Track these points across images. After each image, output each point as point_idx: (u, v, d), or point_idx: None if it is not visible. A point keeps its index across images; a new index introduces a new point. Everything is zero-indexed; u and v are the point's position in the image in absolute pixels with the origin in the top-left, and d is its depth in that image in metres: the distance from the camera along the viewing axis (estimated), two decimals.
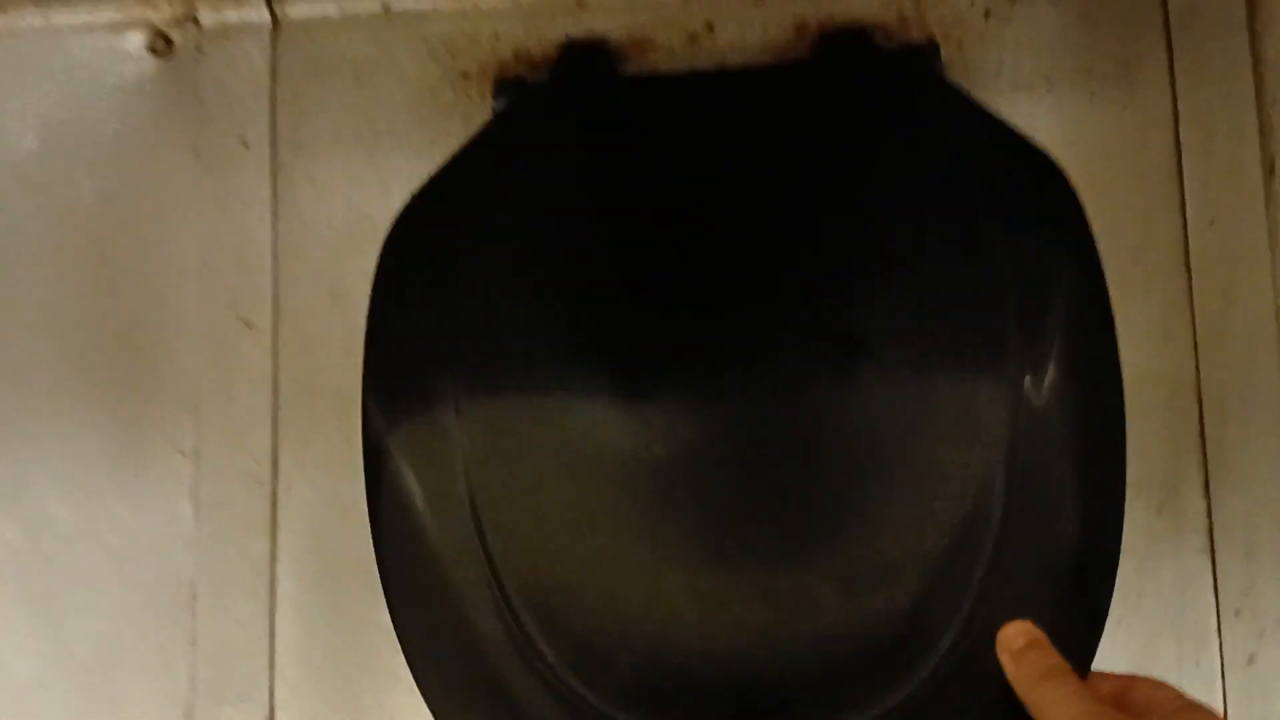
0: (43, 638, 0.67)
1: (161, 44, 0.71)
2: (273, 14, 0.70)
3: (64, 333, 0.69)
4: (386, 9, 0.70)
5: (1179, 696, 0.49)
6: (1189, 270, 0.65)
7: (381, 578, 0.56)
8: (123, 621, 0.67)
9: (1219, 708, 0.62)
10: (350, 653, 0.65)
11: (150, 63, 0.71)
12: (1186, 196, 0.65)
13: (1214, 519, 0.63)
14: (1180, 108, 0.66)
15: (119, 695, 0.66)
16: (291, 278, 0.68)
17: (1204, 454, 0.64)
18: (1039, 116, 0.66)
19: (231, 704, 0.64)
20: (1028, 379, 0.56)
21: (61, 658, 0.67)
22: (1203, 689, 0.62)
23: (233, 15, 0.70)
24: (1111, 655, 0.61)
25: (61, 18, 0.72)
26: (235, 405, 0.67)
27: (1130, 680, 0.51)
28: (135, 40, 0.71)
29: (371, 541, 0.57)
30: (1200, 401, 0.64)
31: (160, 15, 0.71)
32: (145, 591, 0.67)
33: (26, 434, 0.68)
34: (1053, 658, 0.51)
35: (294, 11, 0.70)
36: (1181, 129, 0.66)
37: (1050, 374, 0.57)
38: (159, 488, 0.67)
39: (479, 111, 0.68)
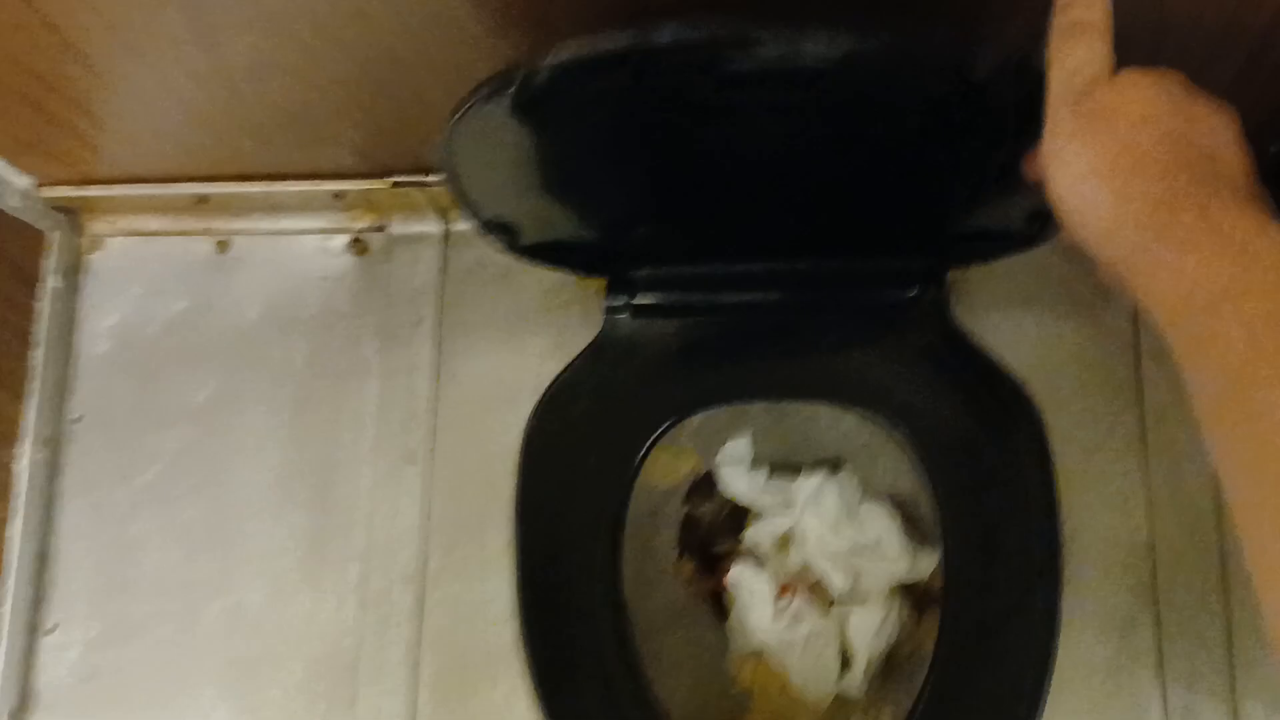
0: (234, 699, 0.86)
1: (359, 246, 0.95)
2: (445, 228, 0.93)
3: (273, 462, 0.90)
4: None
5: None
6: (1146, 454, 0.83)
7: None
8: (297, 689, 0.86)
9: None
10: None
11: (350, 260, 0.95)
12: (1144, 390, 0.84)
13: (1164, 653, 0.79)
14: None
15: None
16: (447, 427, 0.89)
17: (1155, 602, 0.80)
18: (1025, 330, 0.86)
19: None
20: None
21: (248, 717, 0.86)
22: None
23: (415, 227, 0.93)
24: None
25: (285, 223, 0.95)
26: (397, 523, 0.87)
27: None
28: (339, 243, 0.95)
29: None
30: (1154, 556, 0.81)
31: (359, 225, 0.95)
32: (317, 666, 0.86)
33: (238, 538, 0.89)
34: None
35: (460, 226, 0.93)
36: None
37: None
38: (333, 584, 0.87)
39: (594, 306, 0.90)
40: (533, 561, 0.84)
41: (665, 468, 0.96)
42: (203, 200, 0.92)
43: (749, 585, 0.91)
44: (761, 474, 0.95)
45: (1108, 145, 0.51)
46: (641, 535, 0.94)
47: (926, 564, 0.91)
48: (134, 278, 0.96)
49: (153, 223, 0.96)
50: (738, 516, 0.98)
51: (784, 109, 0.68)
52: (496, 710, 0.83)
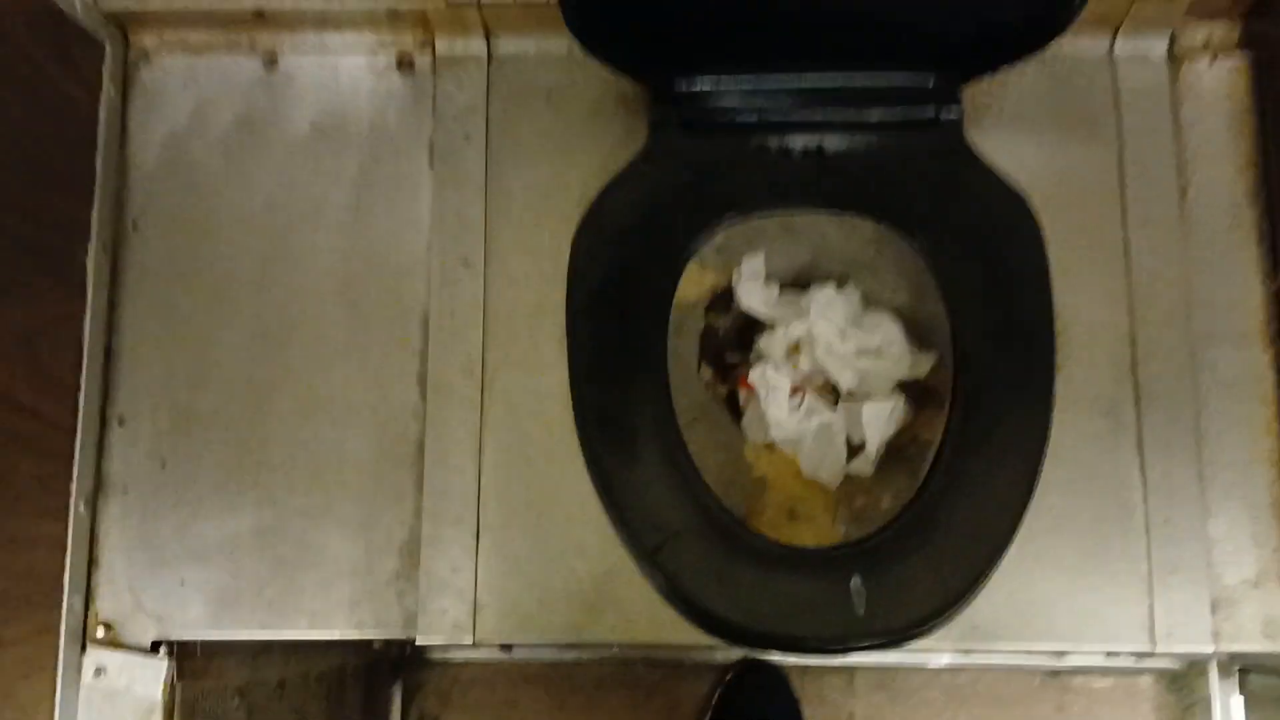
0: (306, 480, 0.93)
1: (406, 65, 1.00)
2: (489, 48, 0.98)
3: (330, 266, 0.96)
4: (570, 51, 0.98)
5: None
6: (1129, 253, 0.94)
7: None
8: (366, 469, 0.93)
9: (1144, 553, 0.90)
10: (535, 495, 0.91)
11: (397, 79, 0.99)
12: (1127, 206, 0.95)
13: (1143, 425, 0.92)
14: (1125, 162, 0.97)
15: (368, 521, 0.92)
16: (499, 234, 0.96)
17: (1136, 381, 0.92)
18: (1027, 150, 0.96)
19: (448, 525, 0.90)
20: None
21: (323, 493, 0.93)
22: (1134, 541, 0.90)
23: (461, 48, 0.98)
24: (1064, 519, 0.89)
25: (333, 40, 0.99)
26: (456, 320, 0.94)
27: None
28: (386, 61, 1.00)
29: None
30: (1134, 344, 0.93)
31: (406, 42, 0.99)
32: (384, 448, 0.93)
33: (303, 336, 0.95)
34: None
35: (504, 48, 0.99)
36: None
37: None
38: (399, 374, 0.94)
39: (635, 126, 0.97)
40: (586, 353, 0.93)
41: (690, 281, 1.04)
42: (259, 14, 0.96)
43: (770, 383, 1.01)
44: (775, 286, 1.04)
45: None
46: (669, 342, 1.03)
47: (925, 364, 1.02)
48: (183, 92, 0.99)
49: (201, 37, 0.99)
50: (751, 330, 1.08)
51: None
52: (555, 485, 0.91)
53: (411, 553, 0.91)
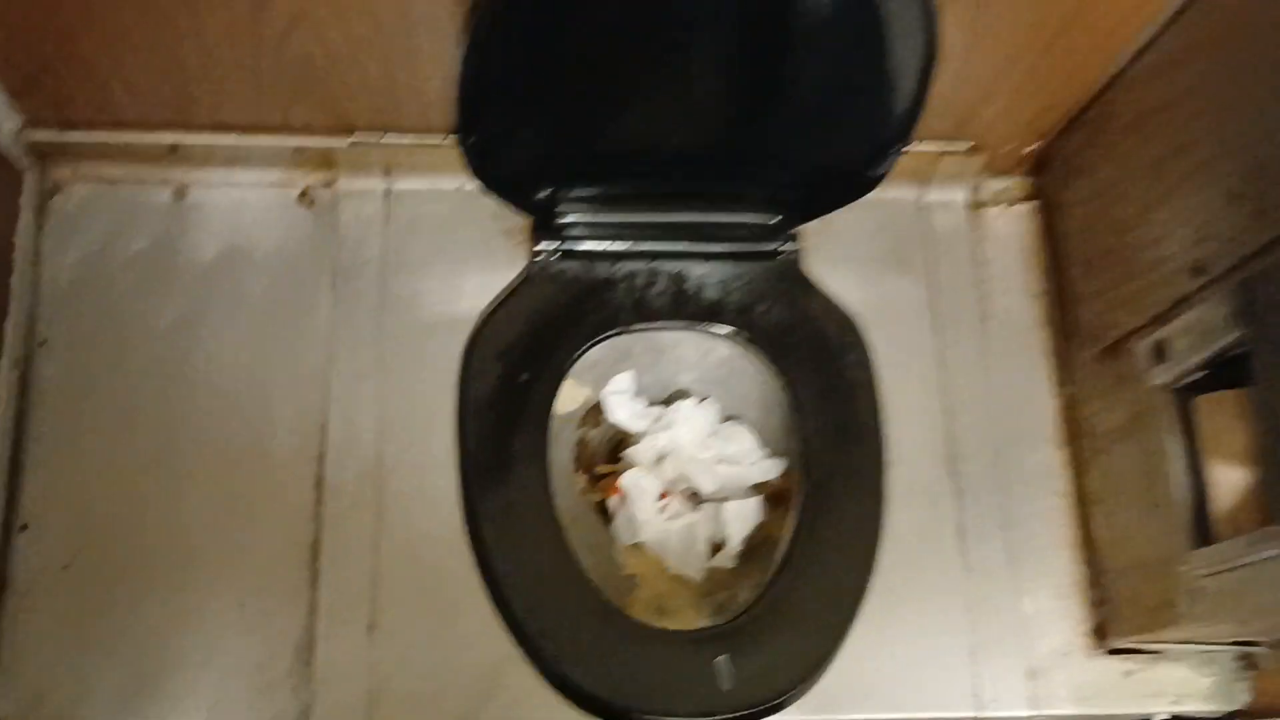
0: (206, 577, 0.98)
1: (307, 199, 1.10)
2: (388, 184, 1.10)
3: (235, 382, 1.03)
4: (461, 186, 1.10)
5: None
6: (942, 370, 1.10)
7: None
8: (262, 571, 0.99)
9: (967, 626, 1.02)
10: (430, 591, 0.99)
11: (299, 211, 1.10)
12: (939, 328, 1.11)
13: (962, 516, 1.06)
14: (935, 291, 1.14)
15: (266, 611, 0.97)
16: (393, 350, 1.05)
17: (952, 480, 1.07)
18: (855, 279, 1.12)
19: (343, 621, 0.97)
20: None
21: (230, 587, 0.98)
22: (955, 613, 1.03)
23: (360, 184, 1.10)
24: (893, 599, 1.02)
25: (240, 176, 1.09)
26: (353, 428, 1.02)
27: None
28: (290, 195, 1.10)
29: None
30: (950, 445, 1.08)
31: (310, 177, 1.10)
32: (280, 552, 0.99)
33: (206, 442, 1.01)
34: None
35: (402, 184, 1.10)
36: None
37: None
38: (293, 480, 1.01)
39: (518, 254, 1.09)
40: (475, 458, 1.02)
41: (566, 396, 1.15)
42: (174, 149, 1.05)
43: (639, 487, 1.12)
44: (642, 402, 1.16)
45: None
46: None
47: (776, 468, 1.14)
48: (96, 219, 1.07)
49: (116, 170, 1.07)
50: (620, 441, 1.19)
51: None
52: (446, 579, 0.99)
53: (307, 649, 0.96)
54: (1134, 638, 1.04)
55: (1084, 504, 1.09)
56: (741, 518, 1.11)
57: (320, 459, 1.02)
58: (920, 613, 1.04)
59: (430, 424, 1.04)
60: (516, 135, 1.02)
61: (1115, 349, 1.02)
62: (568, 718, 0.96)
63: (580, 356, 1.08)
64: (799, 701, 0.97)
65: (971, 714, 1.02)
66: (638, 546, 1.13)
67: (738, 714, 0.97)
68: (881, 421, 1.07)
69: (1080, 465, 1.09)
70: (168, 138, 1.04)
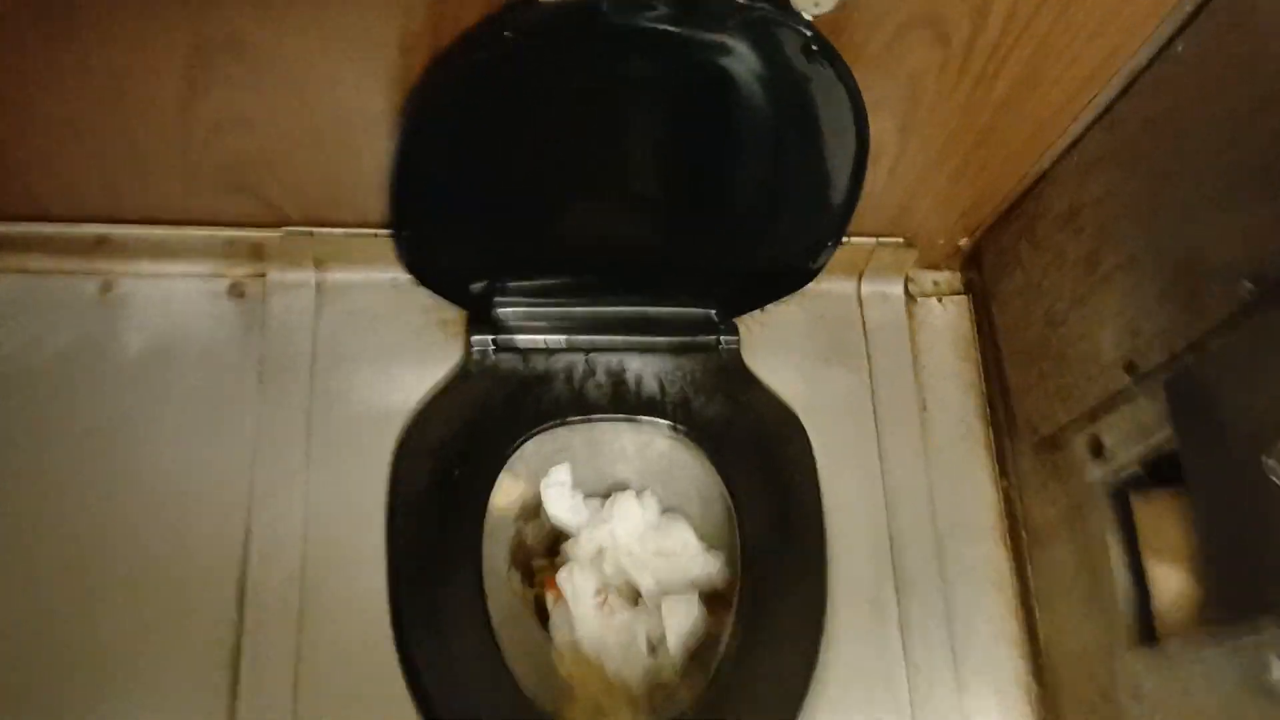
0: (134, 682, 0.94)
1: (237, 291, 1.08)
2: (318, 277, 1.08)
3: (157, 483, 1.00)
4: (394, 279, 1.09)
5: None
6: (882, 462, 1.10)
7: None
8: (187, 674, 0.95)
9: None
10: (355, 699, 0.95)
11: (229, 304, 1.07)
12: (878, 419, 1.11)
13: (902, 612, 1.04)
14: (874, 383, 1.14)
15: None
16: (322, 446, 1.03)
17: (896, 573, 1.06)
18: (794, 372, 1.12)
19: None
20: None
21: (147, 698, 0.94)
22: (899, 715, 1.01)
23: (291, 276, 1.08)
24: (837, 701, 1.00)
25: (168, 268, 1.07)
26: (278, 530, 0.99)
27: None
28: (219, 287, 1.08)
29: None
30: (890, 540, 1.07)
31: (240, 272, 1.08)
32: (197, 662, 0.95)
33: (125, 545, 0.97)
34: None
35: (333, 276, 1.09)
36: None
37: None
38: (214, 583, 0.98)
39: (454, 348, 1.08)
40: (405, 558, 0.99)
41: (502, 491, 1.13)
42: (101, 241, 1.03)
43: (575, 584, 1.09)
44: (579, 497, 1.14)
45: None
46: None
47: (715, 562, 1.12)
48: (18, 313, 1.04)
49: (40, 262, 1.05)
50: (558, 537, 1.17)
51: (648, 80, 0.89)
52: (372, 686, 0.95)
53: None
54: None
55: (1026, 599, 1.08)
56: (680, 614, 1.09)
57: (243, 563, 0.98)
58: (862, 713, 1.02)
59: (359, 524, 1.01)
60: (450, 229, 1.01)
61: (1052, 442, 1.02)
62: None
63: (517, 450, 1.07)
64: None
65: None
66: (575, 648, 1.10)
67: None
68: (821, 516, 1.06)
69: (1020, 560, 1.09)
70: (95, 230, 1.02)
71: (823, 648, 1.01)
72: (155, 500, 1.00)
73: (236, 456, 1.02)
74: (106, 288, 1.06)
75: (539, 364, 1.08)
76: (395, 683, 0.95)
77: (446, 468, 1.03)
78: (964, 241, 1.17)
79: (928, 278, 1.21)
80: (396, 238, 1.00)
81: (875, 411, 1.12)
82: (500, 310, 1.06)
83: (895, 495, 1.09)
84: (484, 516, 1.02)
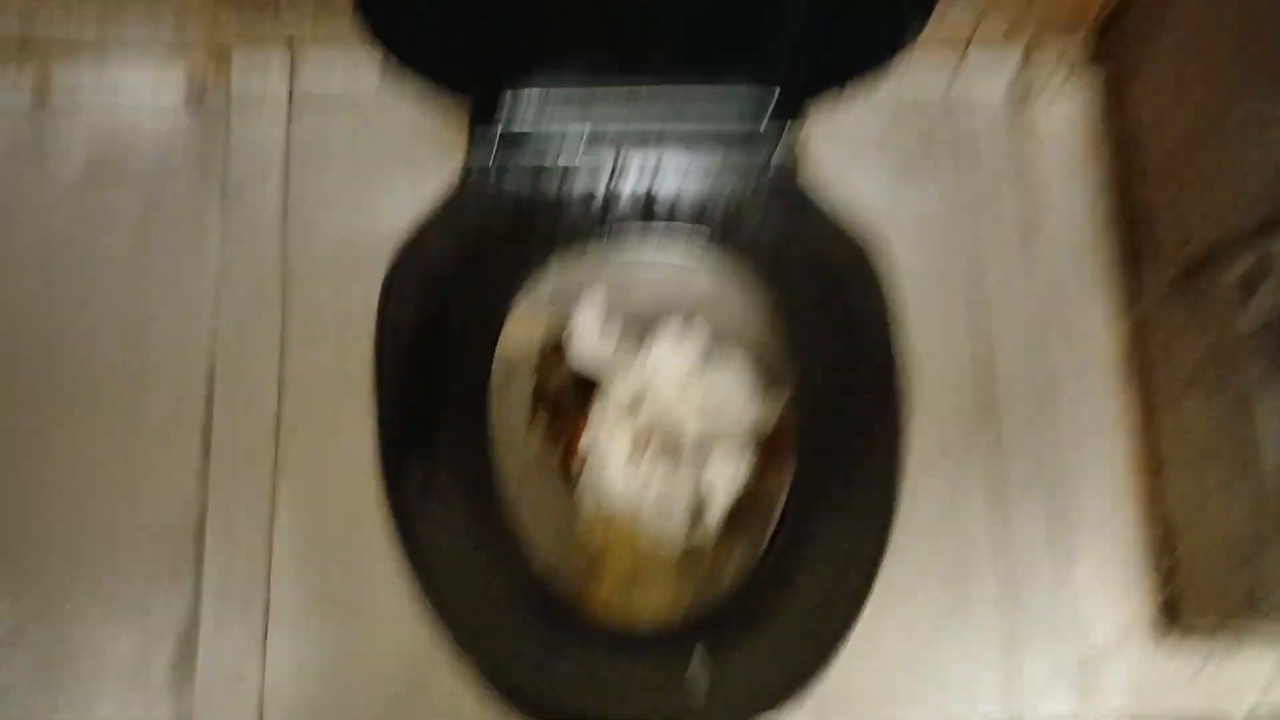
0: (74, 567, 0.81)
1: (197, 99, 0.90)
2: (291, 85, 0.90)
3: (108, 317, 0.85)
4: (378, 91, 0.90)
5: None
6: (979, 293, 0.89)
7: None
8: (146, 543, 0.81)
9: (1010, 612, 0.83)
10: (339, 575, 0.81)
11: (185, 115, 0.90)
12: (977, 243, 0.90)
13: (999, 472, 0.86)
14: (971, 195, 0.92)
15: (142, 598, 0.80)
16: (297, 281, 0.86)
17: (990, 428, 0.87)
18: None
19: (233, 610, 0.79)
20: None
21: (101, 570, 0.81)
22: (993, 600, 0.83)
23: (257, 82, 0.90)
24: (920, 575, 0.83)
25: (114, 72, 0.90)
26: (247, 376, 0.84)
27: None
28: (175, 96, 0.90)
29: None
30: (988, 386, 0.87)
31: (197, 75, 0.90)
32: (160, 528, 0.82)
33: (74, 390, 0.83)
34: None
35: (307, 85, 0.90)
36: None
37: None
38: (177, 437, 0.83)
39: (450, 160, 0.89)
40: (396, 417, 0.83)
41: (520, 331, 0.96)
42: (25, 41, 0.86)
43: (604, 445, 0.93)
44: (613, 333, 0.97)
45: None
46: (497, 399, 0.94)
47: (774, 410, 0.95)
48: None
49: None
50: (588, 383, 1.00)
51: None
52: (359, 561, 0.81)
53: (190, 643, 0.79)
54: (1208, 626, 0.84)
55: (1150, 463, 0.88)
56: (724, 481, 0.92)
57: (207, 414, 0.84)
58: (945, 593, 0.85)
59: (344, 373, 0.85)
60: None
61: (1195, 276, 0.80)
62: None
63: (532, 283, 0.89)
64: (793, 710, 0.79)
65: (1007, 714, 0.83)
66: (606, 515, 0.95)
67: None
68: (900, 359, 0.87)
69: (1146, 416, 0.88)
70: (13, 25, 0.85)
71: (899, 513, 0.83)
72: (105, 342, 0.85)
73: (198, 291, 0.86)
74: (41, 96, 0.89)
75: (557, 168, 0.88)
76: (386, 557, 0.81)
77: (445, 305, 0.86)
78: (1091, 13, 0.93)
79: (1041, 66, 0.96)
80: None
81: (968, 236, 0.91)
82: (508, 93, 0.86)
83: (991, 338, 0.89)
84: (490, 366, 0.86)
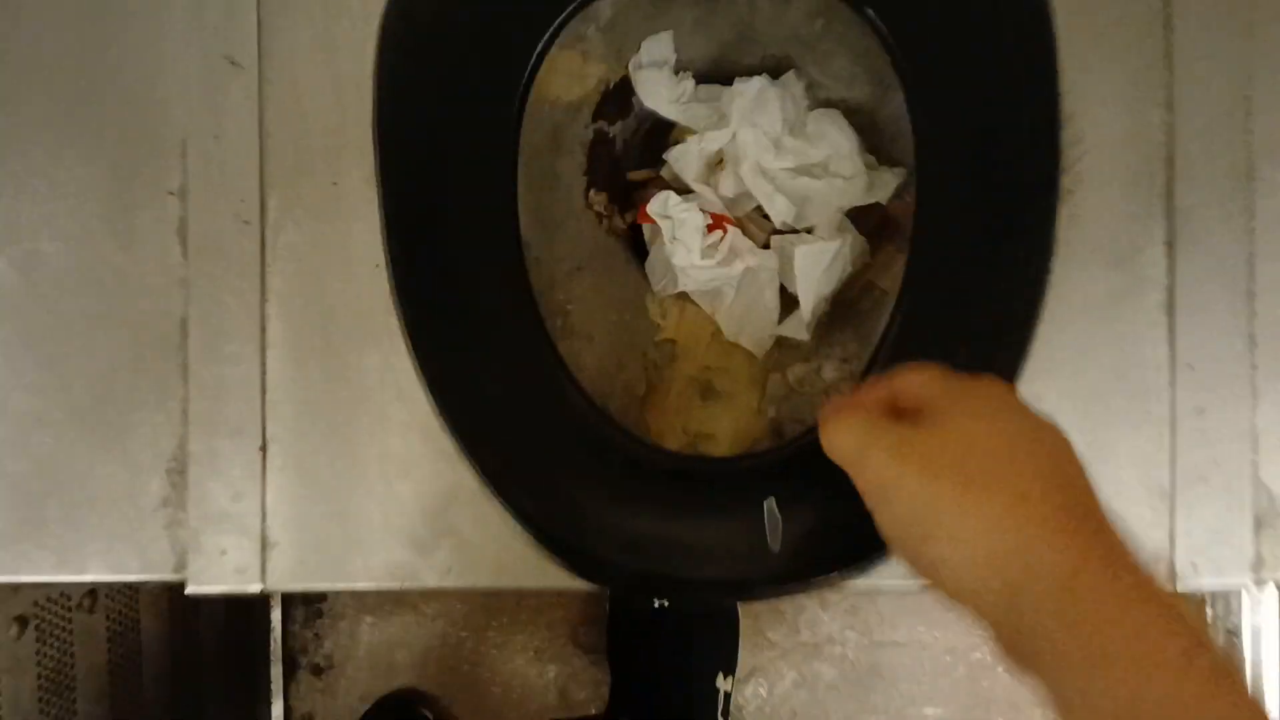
0: (40, 374, 0.68)
1: None
2: None
3: (52, 72, 0.68)
4: None
5: (941, 378, 0.51)
6: (1169, 31, 0.66)
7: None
8: (117, 359, 0.68)
9: (1162, 453, 0.66)
10: (341, 391, 0.67)
11: None
12: None
13: (1176, 279, 0.66)
14: None
15: (114, 429, 0.68)
16: (277, 22, 0.67)
17: (1171, 216, 0.66)
18: None
19: (225, 436, 0.67)
20: None
21: (58, 393, 0.68)
22: (1153, 437, 0.66)
23: None
24: (1068, 406, 0.65)
25: None
26: (222, 146, 0.67)
27: (891, 379, 0.53)
28: None
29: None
30: (1171, 163, 0.66)
31: None
32: (138, 329, 0.68)
33: (15, 172, 0.68)
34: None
35: None
36: None
37: None
38: (149, 227, 0.68)
39: None
40: (404, 194, 0.66)
41: (568, 75, 0.76)
42: None
43: (675, 215, 0.75)
44: (688, 80, 0.77)
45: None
46: (540, 161, 0.76)
47: (887, 184, 0.75)
48: None
49: None
50: (658, 135, 0.81)
51: None
52: (367, 379, 0.67)
53: (181, 472, 0.67)
54: None
55: None
56: (821, 266, 0.74)
57: (183, 197, 0.68)
58: (1094, 427, 0.67)
59: (341, 141, 0.67)
60: None
61: None
62: (545, 577, 0.66)
63: (576, 19, 0.69)
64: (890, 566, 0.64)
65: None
66: (681, 298, 0.78)
67: (795, 583, 0.65)
68: (1057, 122, 0.65)
69: None
70: None
71: (1038, 324, 0.65)
72: (60, 96, 0.69)
73: (164, 33, 0.68)
74: None
75: None
76: (403, 369, 0.67)
77: (460, 52, 0.66)
78: None
79: None
80: None
81: None
82: None
83: (1187, 93, 0.66)
84: (519, 128, 0.67)
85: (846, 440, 0.51)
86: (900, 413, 0.51)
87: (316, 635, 1.22)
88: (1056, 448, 0.47)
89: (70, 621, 0.85)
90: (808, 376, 0.76)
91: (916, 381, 0.52)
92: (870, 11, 0.66)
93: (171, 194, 0.68)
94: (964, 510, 0.44)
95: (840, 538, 0.63)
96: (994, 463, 0.45)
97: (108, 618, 0.90)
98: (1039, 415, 0.49)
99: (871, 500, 0.49)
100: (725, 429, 0.75)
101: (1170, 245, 0.66)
